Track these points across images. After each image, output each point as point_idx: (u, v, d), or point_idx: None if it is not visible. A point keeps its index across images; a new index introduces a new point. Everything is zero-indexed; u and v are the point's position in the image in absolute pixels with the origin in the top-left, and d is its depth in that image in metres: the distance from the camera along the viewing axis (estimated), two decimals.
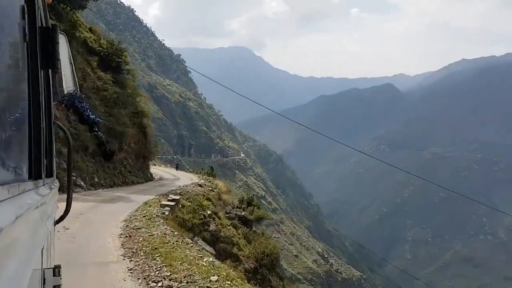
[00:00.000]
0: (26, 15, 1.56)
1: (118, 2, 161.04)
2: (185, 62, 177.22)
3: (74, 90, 3.41)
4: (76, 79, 3.40)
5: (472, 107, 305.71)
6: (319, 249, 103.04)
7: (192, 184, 25.36)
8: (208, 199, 20.41)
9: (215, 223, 17.40)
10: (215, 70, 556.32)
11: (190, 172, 50.81)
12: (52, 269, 1.94)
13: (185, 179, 32.16)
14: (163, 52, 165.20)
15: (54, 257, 2.62)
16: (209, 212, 17.58)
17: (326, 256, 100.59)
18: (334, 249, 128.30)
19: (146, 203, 14.35)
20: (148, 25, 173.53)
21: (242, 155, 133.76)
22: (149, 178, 30.14)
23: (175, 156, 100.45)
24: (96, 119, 4.02)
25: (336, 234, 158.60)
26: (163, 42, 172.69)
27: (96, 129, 4.04)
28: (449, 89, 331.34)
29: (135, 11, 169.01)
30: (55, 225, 2.58)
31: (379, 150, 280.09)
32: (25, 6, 1.52)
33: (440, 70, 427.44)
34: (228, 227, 19.25)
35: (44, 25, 2.08)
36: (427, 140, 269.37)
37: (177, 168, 54.57)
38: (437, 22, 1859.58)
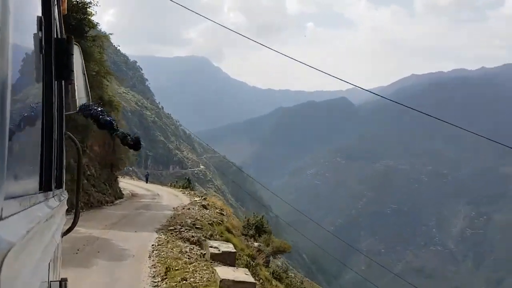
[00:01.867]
0: (43, 27, 1.58)
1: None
2: (141, 70, 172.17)
3: (87, 102, 3.50)
4: (89, 90, 3.51)
5: (422, 121, 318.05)
6: (279, 263, 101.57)
7: (188, 204, 20.34)
8: (230, 231, 15.29)
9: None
10: (173, 79, 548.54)
11: (164, 185, 45.75)
12: (58, 282, 1.93)
13: (167, 195, 26.55)
14: (118, 59, 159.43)
15: (60, 270, 2.64)
16: (247, 258, 12.17)
17: (285, 269, 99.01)
18: (293, 261, 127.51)
19: (162, 258, 8.09)
20: (102, 30, 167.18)
21: (202, 166, 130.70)
22: (119, 194, 24.54)
23: (130, 168, 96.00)
24: (112, 120, 4.04)
25: (294, 246, 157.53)
26: (118, 48, 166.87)
27: (114, 131, 4.03)
28: (399, 104, 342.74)
29: None
30: (62, 237, 2.60)
31: (335, 162, 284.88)
32: (42, 18, 1.53)
33: (391, 85, 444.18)
34: (272, 283, 12.98)
35: (60, 36, 2.11)
36: (380, 153, 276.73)
37: (147, 181, 50.21)
38: (389, 38, 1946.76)
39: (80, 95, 3.19)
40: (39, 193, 1.54)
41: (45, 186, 1.71)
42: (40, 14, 1.52)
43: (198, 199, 22.82)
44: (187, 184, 35.04)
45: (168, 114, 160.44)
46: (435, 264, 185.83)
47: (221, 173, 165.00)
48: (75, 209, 2.98)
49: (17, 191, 1.02)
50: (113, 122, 4.04)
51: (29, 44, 1.29)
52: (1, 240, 0.65)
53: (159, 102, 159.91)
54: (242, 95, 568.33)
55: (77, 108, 3.21)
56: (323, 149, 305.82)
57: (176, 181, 41.70)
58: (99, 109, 3.92)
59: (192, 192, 28.13)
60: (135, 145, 4.10)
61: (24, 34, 1.18)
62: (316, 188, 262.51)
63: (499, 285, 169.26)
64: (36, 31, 1.44)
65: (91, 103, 3.80)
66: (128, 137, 4.06)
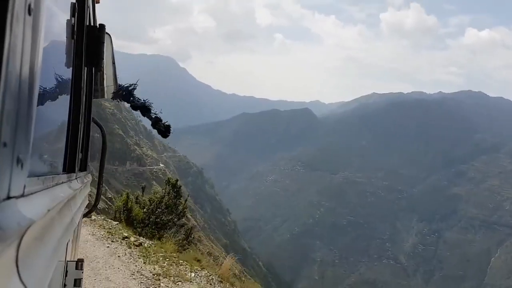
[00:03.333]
0: (76, 13, 1.63)
1: None
2: None
3: (115, 89, 3.59)
4: (117, 79, 3.58)
5: (380, 138, 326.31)
6: (236, 271, 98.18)
7: None
8: None
9: None
10: (136, 76, 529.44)
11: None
12: (75, 262, 1.98)
13: None
14: None
15: (77, 251, 2.64)
16: None
17: (243, 278, 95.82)
18: (249, 269, 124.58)
19: None
20: None
21: (162, 165, 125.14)
22: None
23: None
24: (146, 102, 4.20)
25: (251, 253, 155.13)
26: None
27: (147, 113, 4.17)
28: (360, 119, 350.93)
29: None
30: (82, 218, 2.63)
31: (295, 170, 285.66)
32: (76, 4, 1.57)
33: (352, 101, 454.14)
34: None
35: (92, 24, 2.16)
36: (339, 165, 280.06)
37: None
38: (353, 57, 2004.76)
39: (109, 83, 3.27)
40: (63, 174, 1.57)
41: (69, 168, 1.75)
42: (74, 0, 1.56)
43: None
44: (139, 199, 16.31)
45: (129, 108, 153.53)
46: (386, 277, 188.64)
47: (181, 173, 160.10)
48: (96, 192, 3.05)
49: (41, 170, 1.07)
50: (146, 103, 4.14)
51: (62, 29, 1.33)
52: (22, 216, 0.66)
53: None
54: (206, 98, 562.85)
55: (105, 96, 3.31)
56: (284, 157, 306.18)
57: (107, 187, 24.12)
58: (130, 89, 4.00)
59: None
60: (165, 132, 4.22)
61: (57, 19, 1.21)
62: (275, 195, 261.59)
63: None
64: (69, 17, 1.48)
65: (121, 84, 3.90)
66: (160, 122, 4.19)
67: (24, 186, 0.72)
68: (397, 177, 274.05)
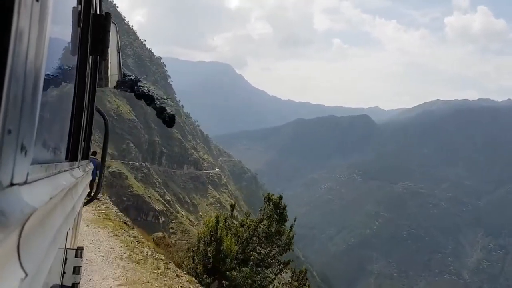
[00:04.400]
0: (82, 1, 1.62)
1: None
2: (165, 66, 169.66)
3: (119, 78, 3.61)
4: (122, 68, 3.57)
5: (443, 146, 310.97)
6: (289, 279, 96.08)
7: None
8: None
9: None
10: (195, 83, 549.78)
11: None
12: (75, 250, 2.00)
13: None
14: (143, 53, 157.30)
15: (78, 239, 2.69)
16: None
17: None
18: None
19: None
20: (130, 24, 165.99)
21: (217, 169, 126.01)
22: None
23: (143, 164, 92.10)
24: (150, 92, 4.18)
25: (305, 262, 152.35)
26: (144, 42, 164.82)
27: (151, 102, 4.16)
28: (422, 127, 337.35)
29: (117, 7, 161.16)
30: (83, 206, 2.71)
31: (351, 178, 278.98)
32: None
33: (415, 108, 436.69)
34: None
35: (98, 12, 2.15)
36: (399, 174, 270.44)
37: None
38: (415, 62, 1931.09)
39: (113, 72, 3.29)
40: (65, 162, 1.58)
41: (71, 156, 1.75)
42: None
43: None
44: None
45: (187, 113, 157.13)
46: None
47: (235, 178, 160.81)
48: (97, 181, 3.10)
49: (44, 158, 1.06)
50: (150, 92, 4.13)
51: (68, 16, 1.32)
52: (24, 204, 0.66)
53: (179, 100, 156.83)
54: (261, 104, 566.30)
55: (110, 85, 3.32)
56: (339, 165, 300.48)
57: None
58: (134, 78, 4.03)
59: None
60: (170, 121, 4.18)
61: (64, 6, 1.21)
62: (330, 203, 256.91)
63: None
64: (75, 5, 1.47)
65: (126, 74, 3.93)
66: (165, 112, 4.13)
67: (27, 173, 0.72)
68: (461, 189, 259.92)
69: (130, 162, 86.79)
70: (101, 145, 3.79)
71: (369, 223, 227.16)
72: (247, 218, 12.25)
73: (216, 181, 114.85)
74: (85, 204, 2.91)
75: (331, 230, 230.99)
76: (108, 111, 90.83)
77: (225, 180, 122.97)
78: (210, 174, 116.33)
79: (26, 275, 0.59)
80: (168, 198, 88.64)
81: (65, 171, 1.45)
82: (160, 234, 16.64)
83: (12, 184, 0.61)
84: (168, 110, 4.16)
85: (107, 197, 17.66)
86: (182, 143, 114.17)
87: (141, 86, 4.19)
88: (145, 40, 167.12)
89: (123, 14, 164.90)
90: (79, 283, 1.97)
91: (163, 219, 76.61)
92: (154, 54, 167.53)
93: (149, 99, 4.11)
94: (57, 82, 1.23)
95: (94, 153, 10.96)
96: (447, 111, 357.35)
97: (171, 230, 76.90)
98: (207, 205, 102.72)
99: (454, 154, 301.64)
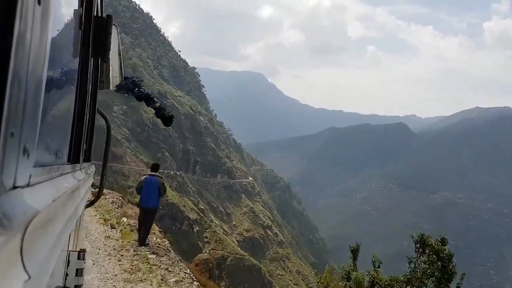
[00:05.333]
0: (84, 3, 1.62)
1: (137, 7, 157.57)
2: (199, 76, 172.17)
3: (121, 81, 3.66)
4: (123, 70, 3.59)
5: (483, 155, 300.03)
6: None
7: None
8: None
9: None
10: (227, 92, 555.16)
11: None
12: (77, 252, 1.99)
13: None
14: (178, 63, 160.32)
15: (80, 241, 2.71)
16: None
17: None
18: None
19: None
20: (165, 35, 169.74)
21: (250, 178, 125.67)
22: None
23: (178, 172, 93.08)
24: (150, 93, 4.26)
25: (340, 274, 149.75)
26: (179, 53, 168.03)
27: (151, 103, 4.24)
28: (461, 135, 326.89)
29: (153, 19, 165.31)
30: (85, 209, 2.73)
31: (387, 188, 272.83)
32: None
33: (453, 115, 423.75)
34: None
35: (99, 14, 2.15)
36: (437, 184, 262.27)
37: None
38: (453, 69, 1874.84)
39: (115, 74, 3.30)
40: (67, 164, 1.57)
41: (73, 159, 1.73)
42: None
43: None
44: None
45: (220, 122, 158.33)
46: None
47: (268, 187, 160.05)
48: (99, 183, 3.14)
49: (46, 160, 1.04)
50: (150, 94, 4.24)
51: (70, 19, 1.31)
52: (27, 206, 0.66)
53: (212, 110, 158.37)
54: (294, 112, 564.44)
55: (111, 87, 3.33)
56: (375, 174, 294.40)
57: None
58: (135, 80, 4.10)
59: None
60: (169, 119, 4.30)
61: (65, 9, 1.21)
62: (365, 213, 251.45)
63: None
64: (77, 7, 1.46)
65: (128, 77, 4.00)
66: (164, 112, 4.27)
67: (30, 176, 0.72)
68: (503, 199, 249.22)
69: (165, 171, 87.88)
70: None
71: (406, 235, 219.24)
72: (390, 277, 8.52)
73: (249, 190, 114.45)
74: (87, 206, 2.95)
75: (367, 241, 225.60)
76: (144, 120, 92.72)
77: (258, 189, 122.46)
78: (244, 183, 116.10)
79: (29, 277, 0.59)
80: (202, 207, 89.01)
81: (67, 173, 1.45)
82: (205, 255, 15.12)
83: (14, 187, 0.61)
84: (167, 111, 4.29)
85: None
86: (216, 151, 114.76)
87: (142, 88, 4.21)
88: (179, 51, 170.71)
89: (158, 25, 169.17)
90: (81, 285, 1.96)
91: (197, 228, 76.84)
92: (189, 64, 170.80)
93: (149, 101, 4.17)
94: (59, 84, 1.23)
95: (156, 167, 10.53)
96: (486, 118, 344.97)
97: (205, 240, 77.03)
98: (240, 214, 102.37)
99: (494, 163, 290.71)
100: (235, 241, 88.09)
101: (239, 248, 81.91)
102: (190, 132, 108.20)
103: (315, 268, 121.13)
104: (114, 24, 2.32)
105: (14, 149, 0.58)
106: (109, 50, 2.18)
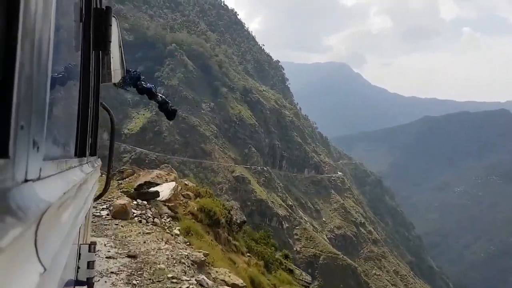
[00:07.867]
0: None
1: (222, 4, 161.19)
2: (283, 69, 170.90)
3: (122, 74, 3.66)
4: (124, 62, 3.61)
5: None
6: None
7: None
8: None
9: None
10: (311, 85, 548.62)
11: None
12: (88, 245, 2.02)
13: None
14: (262, 58, 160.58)
15: (90, 234, 2.74)
16: None
17: None
18: None
19: None
20: (249, 30, 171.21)
21: (340, 173, 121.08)
22: None
23: (265, 168, 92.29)
24: (152, 87, 4.30)
25: (439, 272, 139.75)
26: (263, 47, 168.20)
27: (153, 96, 4.30)
28: None
29: (238, 14, 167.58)
30: (93, 202, 2.75)
31: (489, 181, 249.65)
32: None
33: None
34: None
35: (99, 6, 2.15)
36: None
37: None
38: None
39: (116, 67, 3.30)
40: (74, 158, 1.60)
41: (79, 152, 1.75)
42: None
43: None
44: None
45: (305, 115, 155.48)
46: None
47: (357, 182, 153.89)
48: (106, 177, 3.16)
49: (55, 154, 1.08)
50: (153, 88, 4.29)
51: (70, 12, 1.32)
52: (39, 199, 0.67)
53: (297, 103, 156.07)
54: (382, 102, 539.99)
55: (113, 80, 3.32)
56: (474, 165, 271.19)
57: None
58: (137, 74, 4.15)
59: None
60: (172, 113, 4.36)
61: (66, 2, 1.21)
62: (465, 208, 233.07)
63: None
64: (77, 0, 1.46)
65: (130, 70, 4.04)
66: (167, 105, 4.33)
67: (40, 169, 0.73)
68: None
69: (252, 167, 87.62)
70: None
71: (511, 231, 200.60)
72: None
73: (339, 185, 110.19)
74: (96, 199, 2.98)
75: (468, 237, 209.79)
76: (231, 117, 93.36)
77: (348, 184, 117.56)
78: (333, 178, 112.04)
79: (45, 269, 0.59)
80: (290, 203, 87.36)
81: (75, 167, 1.46)
82: None
83: (26, 180, 0.62)
84: (170, 104, 4.33)
85: None
86: (302, 146, 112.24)
87: (143, 81, 4.21)
88: (263, 45, 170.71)
89: (243, 21, 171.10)
90: (93, 277, 2.00)
91: (286, 225, 75.39)
92: (272, 58, 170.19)
93: (151, 94, 4.21)
94: (63, 78, 1.24)
95: None
96: None
97: (295, 237, 75.30)
98: (330, 210, 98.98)
99: None
100: (326, 238, 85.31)
101: (331, 246, 79.07)
102: (276, 126, 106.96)
103: (413, 268, 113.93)
104: (113, 16, 2.30)
105: (24, 142, 0.59)
106: (110, 42, 2.17)
